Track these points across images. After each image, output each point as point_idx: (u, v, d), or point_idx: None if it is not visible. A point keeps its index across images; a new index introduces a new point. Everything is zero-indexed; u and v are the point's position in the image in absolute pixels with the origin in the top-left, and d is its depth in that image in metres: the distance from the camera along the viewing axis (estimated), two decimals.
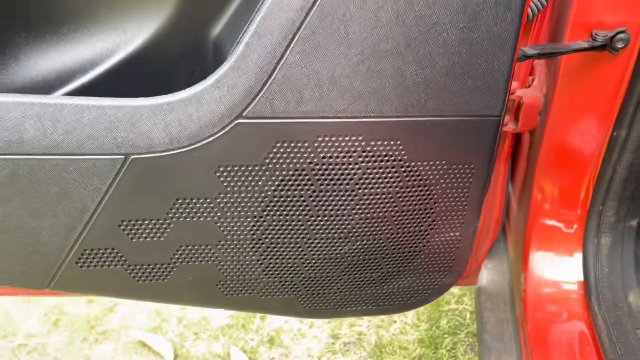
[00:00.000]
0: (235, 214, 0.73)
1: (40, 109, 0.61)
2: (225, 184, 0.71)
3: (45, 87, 0.72)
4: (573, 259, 1.01)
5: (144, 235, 0.73)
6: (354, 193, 0.75)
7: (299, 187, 0.73)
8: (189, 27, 0.69)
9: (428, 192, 0.78)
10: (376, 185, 0.75)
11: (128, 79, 0.72)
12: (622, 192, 0.99)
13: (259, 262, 0.79)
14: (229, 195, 0.72)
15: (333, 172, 0.73)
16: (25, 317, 1.96)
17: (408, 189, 0.77)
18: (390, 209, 0.78)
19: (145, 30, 0.70)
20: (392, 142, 0.72)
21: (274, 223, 0.76)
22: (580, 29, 0.91)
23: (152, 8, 0.69)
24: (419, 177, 0.76)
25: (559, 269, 1.01)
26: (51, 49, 0.71)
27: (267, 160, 0.70)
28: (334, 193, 0.75)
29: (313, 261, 0.81)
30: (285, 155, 0.70)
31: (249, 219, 0.74)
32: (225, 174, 0.70)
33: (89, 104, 0.62)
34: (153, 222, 0.72)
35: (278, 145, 0.69)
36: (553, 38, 0.96)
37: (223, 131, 0.66)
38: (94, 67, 0.71)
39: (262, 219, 0.75)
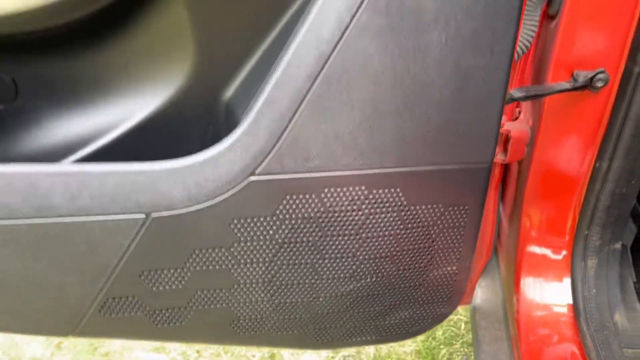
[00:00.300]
0: (248, 260, 0.78)
1: (68, 177, 0.66)
2: (239, 234, 0.76)
3: (66, 149, 0.76)
4: (563, 284, 1.07)
5: (162, 283, 0.78)
6: (357, 236, 0.81)
7: (307, 233, 0.78)
8: (202, 90, 0.74)
9: (426, 232, 0.84)
10: (378, 229, 0.81)
11: (145, 140, 0.76)
12: (606, 218, 1.05)
13: (270, 302, 0.85)
14: (242, 244, 0.77)
15: (338, 218, 0.78)
16: (29, 341, 1.99)
17: (408, 230, 0.82)
18: (391, 248, 0.83)
19: (161, 94, 0.75)
20: (392, 190, 0.78)
21: (284, 266, 0.81)
22: (562, 68, 0.98)
23: (168, 73, 0.73)
24: (418, 220, 0.82)
25: (549, 293, 1.07)
26: (73, 113, 0.75)
27: (278, 212, 0.75)
28: (339, 237, 0.80)
29: (320, 299, 0.86)
30: (294, 207, 0.75)
31: (260, 264, 0.79)
32: (239, 225, 0.75)
33: (112, 170, 0.67)
34: (171, 271, 0.77)
35: (287, 197, 0.74)
36: (536, 77, 1.02)
37: (237, 188, 0.71)
38: (113, 129, 0.76)
39: (272, 264, 0.80)
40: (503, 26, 0.70)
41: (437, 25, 0.67)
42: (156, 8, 0.67)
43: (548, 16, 0.98)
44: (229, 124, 0.74)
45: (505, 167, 1.22)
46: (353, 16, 0.65)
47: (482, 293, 1.34)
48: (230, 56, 0.72)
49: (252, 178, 0.72)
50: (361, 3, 0.64)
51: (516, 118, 1.13)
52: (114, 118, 0.75)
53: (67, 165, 0.66)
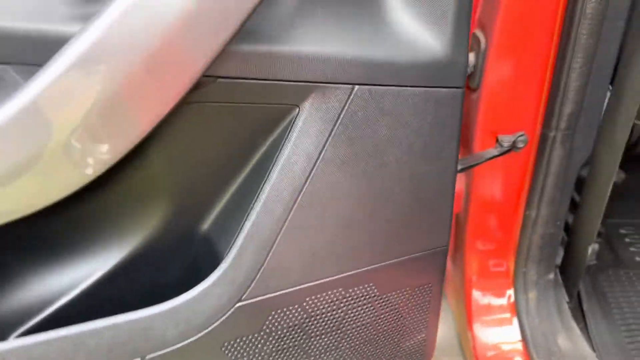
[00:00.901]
0: None
1: (63, 342, 0.66)
2: (230, 354, 0.79)
3: (52, 296, 0.75)
4: (512, 321, 1.20)
5: None
6: (338, 330, 0.86)
7: (293, 339, 0.83)
8: (180, 226, 0.76)
9: (399, 313, 0.91)
10: (357, 320, 0.87)
11: (126, 279, 0.77)
12: (539, 256, 1.18)
13: None
14: None
15: (320, 320, 0.84)
16: None
17: (382, 315, 0.89)
18: (369, 333, 0.90)
19: (139, 234, 0.76)
20: (366, 285, 0.84)
21: None
22: (487, 134, 1.09)
23: (147, 216, 0.75)
24: (390, 304, 0.89)
25: (500, 332, 1.19)
26: (53, 265, 0.74)
27: (265, 327, 0.79)
28: (322, 335, 0.85)
29: None
30: (280, 320, 0.80)
31: None
32: (229, 347, 0.78)
33: (105, 325, 0.68)
34: None
35: (273, 313, 0.79)
36: (465, 142, 1.13)
37: (226, 316, 0.75)
38: (94, 273, 0.76)
39: None
40: (447, 137, 0.78)
41: (393, 146, 0.75)
42: (135, 162, 0.69)
43: (470, 89, 1.09)
44: (208, 254, 0.77)
45: None
46: (320, 152, 0.70)
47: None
48: (206, 194, 0.75)
49: (240, 304, 0.75)
50: (327, 140, 0.70)
51: None
52: (95, 262, 0.76)
53: (60, 330, 0.66)
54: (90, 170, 0.54)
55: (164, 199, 0.74)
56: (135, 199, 0.73)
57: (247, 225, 0.71)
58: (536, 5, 0.93)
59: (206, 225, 0.78)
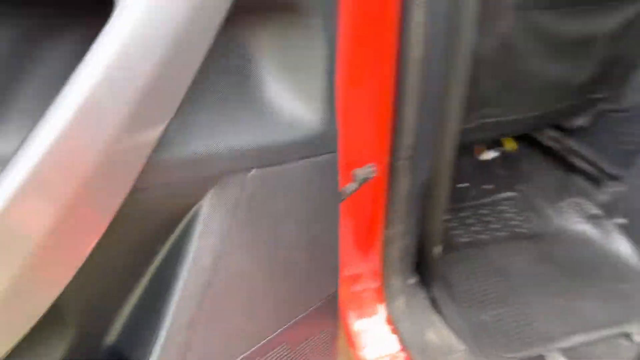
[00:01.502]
0: None
1: None
2: None
3: None
4: (390, 332, 1.32)
5: None
6: None
7: None
8: (82, 348, 0.69)
9: (307, 357, 0.96)
10: None
11: None
12: (401, 266, 1.32)
13: None
14: None
15: None
16: None
17: None
18: None
19: None
20: (279, 347, 0.87)
21: None
22: (344, 170, 1.18)
23: (42, 346, 0.66)
24: (299, 354, 0.93)
25: (382, 345, 1.30)
26: None
27: None
28: None
29: None
30: None
31: None
32: None
33: None
34: None
35: None
36: None
37: None
38: None
39: None
40: (332, 194, 0.85)
41: (289, 216, 0.78)
42: None
43: None
44: None
45: None
46: (225, 240, 0.71)
47: None
48: (109, 308, 0.69)
49: None
50: (230, 228, 0.70)
51: None
52: None
53: None
54: None
55: (61, 324, 0.67)
56: (35, 335, 0.65)
57: (163, 330, 0.68)
58: (370, 55, 1.04)
59: (111, 338, 0.72)
